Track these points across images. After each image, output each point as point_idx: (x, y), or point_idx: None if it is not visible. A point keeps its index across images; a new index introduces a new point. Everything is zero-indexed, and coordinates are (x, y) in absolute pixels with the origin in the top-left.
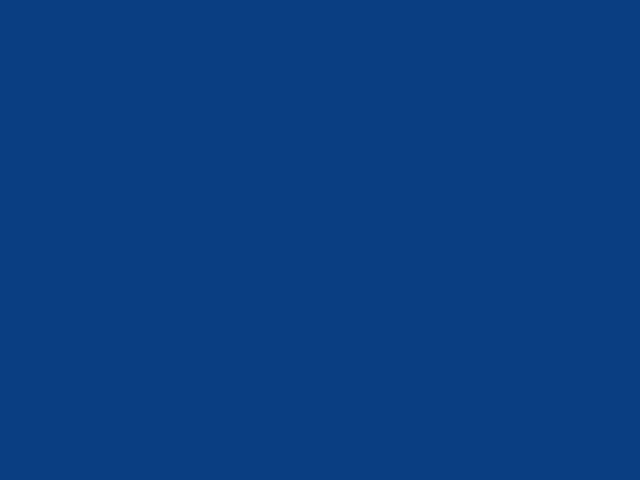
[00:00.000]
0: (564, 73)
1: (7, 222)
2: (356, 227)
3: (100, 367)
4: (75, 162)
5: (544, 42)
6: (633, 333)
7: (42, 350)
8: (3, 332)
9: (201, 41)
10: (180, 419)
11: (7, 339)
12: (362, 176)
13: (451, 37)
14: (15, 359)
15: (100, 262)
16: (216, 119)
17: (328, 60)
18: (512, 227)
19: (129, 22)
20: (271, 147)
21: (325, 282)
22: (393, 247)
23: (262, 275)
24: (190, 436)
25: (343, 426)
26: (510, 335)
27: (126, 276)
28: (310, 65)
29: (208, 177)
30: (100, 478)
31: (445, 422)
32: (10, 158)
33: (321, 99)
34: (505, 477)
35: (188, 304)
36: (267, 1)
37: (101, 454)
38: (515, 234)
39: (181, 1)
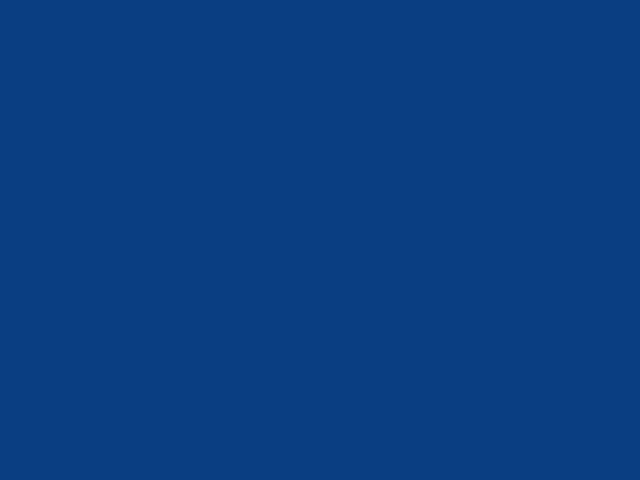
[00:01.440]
0: (564, 73)
1: (7, 222)
2: (356, 227)
3: (100, 367)
4: (75, 162)
5: (544, 42)
6: (633, 333)
7: (42, 350)
8: (3, 332)
9: (201, 41)
10: (180, 419)
11: (7, 339)
12: (362, 176)
13: (451, 37)
14: (15, 359)
15: (100, 262)
16: (216, 119)
17: (328, 60)
18: (512, 227)
19: (129, 22)
20: (271, 147)
21: (325, 282)
22: (393, 247)
23: (262, 275)
24: (190, 436)
25: (343, 426)
26: (510, 335)
27: (126, 276)
28: (310, 65)
29: (208, 177)
30: (100, 478)
31: (445, 422)
32: (10, 158)
33: (321, 99)
34: (505, 477)
35: (188, 304)
36: (267, 1)
37: (101, 454)
38: (515, 234)
39: (181, 1)
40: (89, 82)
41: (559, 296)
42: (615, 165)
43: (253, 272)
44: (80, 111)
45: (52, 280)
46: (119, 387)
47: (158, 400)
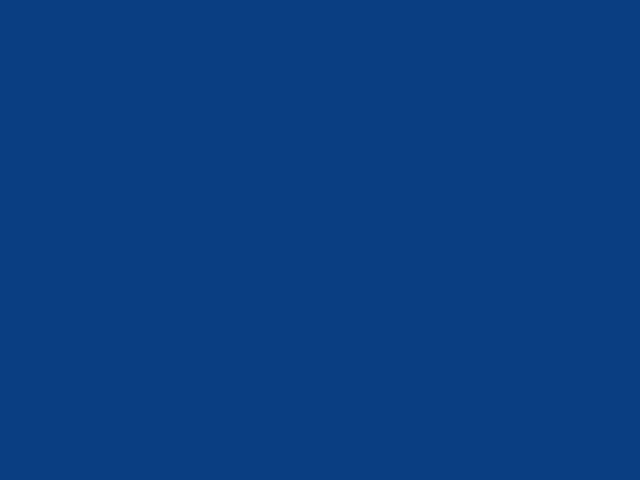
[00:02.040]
0: (564, 73)
1: (7, 222)
2: (356, 227)
3: (100, 367)
4: (75, 162)
5: (544, 42)
6: (633, 333)
7: (42, 350)
8: (3, 332)
9: (201, 41)
10: (180, 419)
11: (7, 339)
12: (362, 176)
13: (451, 37)
14: (15, 359)
15: (100, 262)
16: (216, 119)
17: (328, 60)
18: (512, 227)
19: (129, 22)
20: (271, 147)
21: (325, 282)
22: (393, 247)
23: (262, 275)
24: (190, 436)
25: (343, 426)
26: (510, 335)
27: (126, 276)
28: (310, 65)
29: (208, 177)
30: (100, 478)
31: (445, 422)
32: (10, 158)
33: (321, 99)
34: (505, 477)
35: (188, 304)
36: (267, 1)
37: (101, 454)
38: (515, 234)
39: (181, 1)
40: (89, 82)
41: (559, 296)
42: (615, 165)
43: (253, 272)
44: (80, 111)
45: (52, 280)
46: (119, 387)
47: (158, 400)
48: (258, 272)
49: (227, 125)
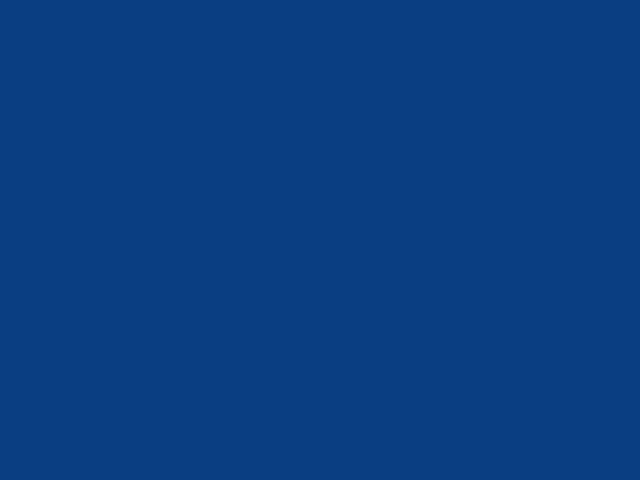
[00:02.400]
0: (564, 73)
1: (7, 222)
2: (356, 227)
3: (100, 367)
4: (75, 162)
5: (544, 42)
6: (633, 333)
7: (42, 350)
8: (3, 332)
9: (201, 41)
10: (180, 419)
11: (7, 339)
12: (362, 176)
13: (451, 37)
14: (15, 359)
15: (100, 262)
16: (216, 119)
17: (328, 60)
18: (512, 227)
19: (129, 22)
20: (271, 147)
21: (325, 282)
22: (393, 247)
23: (262, 275)
24: (190, 436)
25: (343, 426)
26: (510, 335)
27: (126, 276)
28: (310, 65)
29: (208, 177)
30: (100, 478)
31: (445, 422)
32: (10, 158)
33: (321, 99)
34: (505, 477)
35: (188, 304)
36: (267, 1)
37: (101, 454)
38: (515, 234)
39: (181, 1)
40: (89, 82)
41: (559, 296)
42: (615, 165)
43: (253, 272)
44: (80, 111)
45: (52, 280)
46: (119, 387)
47: (158, 400)
48: (258, 272)
49: (227, 125)
